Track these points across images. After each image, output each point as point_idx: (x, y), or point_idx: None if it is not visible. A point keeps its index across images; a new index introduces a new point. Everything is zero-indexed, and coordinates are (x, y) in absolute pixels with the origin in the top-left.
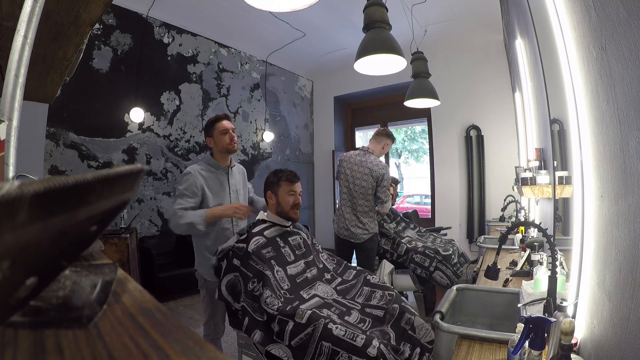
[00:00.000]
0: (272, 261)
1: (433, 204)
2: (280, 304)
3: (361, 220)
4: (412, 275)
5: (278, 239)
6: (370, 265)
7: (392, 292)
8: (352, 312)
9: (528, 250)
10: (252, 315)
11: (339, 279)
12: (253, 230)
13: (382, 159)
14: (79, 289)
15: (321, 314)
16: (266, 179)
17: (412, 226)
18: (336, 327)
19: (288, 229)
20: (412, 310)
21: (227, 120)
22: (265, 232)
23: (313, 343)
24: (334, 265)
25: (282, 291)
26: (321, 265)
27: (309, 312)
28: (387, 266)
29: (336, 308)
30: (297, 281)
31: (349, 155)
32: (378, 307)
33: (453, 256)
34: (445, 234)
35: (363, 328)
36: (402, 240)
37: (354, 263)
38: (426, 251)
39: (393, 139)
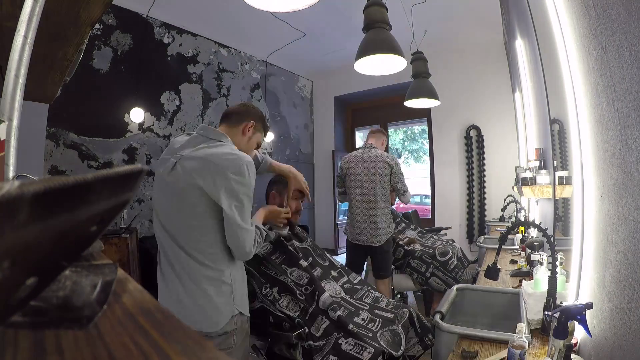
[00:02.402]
0: (283, 266)
1: (433, 204)
2: (299, 312)
3: (379, 219)
4: (414, 280)
5: (282, 239)
6: (387, 268)
7: (399, 301)
8: (360, 312)
9: (528, 251)
10: (273, 312)
11: (345, 278)
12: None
13: None
14: (79, 289)
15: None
16: (274, 178)
17: (412, 227)
18: (346, 342)
19: (285, 234)
20: (421, 315)
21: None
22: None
23: (321, 354)
24: (339, 269)
25: (302, 288)
26: (326, 264)
27: (325, 325)
28: None
29: (345, 308)
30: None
31: (355, 155)
32: (387, 310)
33: (451, 260)
34: (445, 234)
35: (373, 329)
36: (400, 243)
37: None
38: (423, 256)
39: (387, 137)
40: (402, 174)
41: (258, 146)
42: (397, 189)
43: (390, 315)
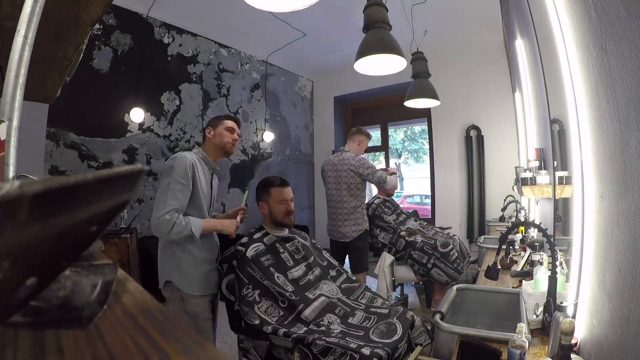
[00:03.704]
0: (271, 269)
1: (433, 204)
2: (277, 318)
3: (345, 218)
4: (415, 271)
5: (277, 245)
6: (363, 264)
7: (398, 301)
8: (356, 312)
9: (529, 251)
10: (244, 319)
11: (344, 276)
12: (254, 236)
13: (364, 155)
14: (79, 289)
15: (311, 334)
16: (256, 189)
17: (413, 219)
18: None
19: (285, 235)
20: (413, 313)
21: (237, 123)
22: (265, 239)
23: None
24: (337, 267)
25: (287, 293)
26: (325, 263)
27: (305, 329)
28: (387, 258)
29: (341, 308)
30: (300, 284)
31: (328, 160)
32: (382, 307)
33: (452, 252)
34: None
35: (368, 326)
36: (402, 234)
37: (346, 266)
38: (424, 247)
39: (367, 135)
40: (370, 168)
41: (233, 140)
42: (376, 183)
43: (386, 311)
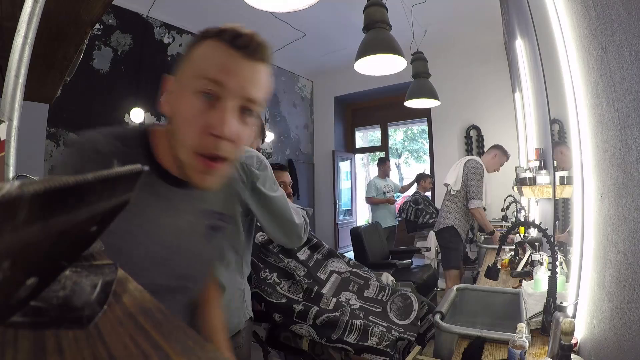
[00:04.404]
0: (281, 255)
1: (433, 203)
2: (302, 293)
3: (443, 209)
4: (413, 288)
5: None
6: (446, 259)
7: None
8: (370, 282)
9: (529, 251)
10: (267, 299)
11: (348, 259)
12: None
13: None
14: (79, 289)
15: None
16: None
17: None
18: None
19: None
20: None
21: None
22: None
23: (342, 322)
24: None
25: (300, 278)
26: (327, 247)
27: (334, 300)
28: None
29: (355, 283)
30: (310, 265)
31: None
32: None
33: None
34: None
35: (384, 299)
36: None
37: None
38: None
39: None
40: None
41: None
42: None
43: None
